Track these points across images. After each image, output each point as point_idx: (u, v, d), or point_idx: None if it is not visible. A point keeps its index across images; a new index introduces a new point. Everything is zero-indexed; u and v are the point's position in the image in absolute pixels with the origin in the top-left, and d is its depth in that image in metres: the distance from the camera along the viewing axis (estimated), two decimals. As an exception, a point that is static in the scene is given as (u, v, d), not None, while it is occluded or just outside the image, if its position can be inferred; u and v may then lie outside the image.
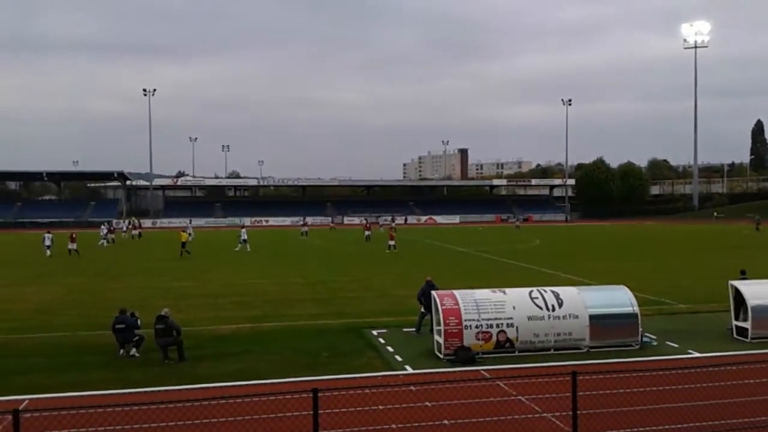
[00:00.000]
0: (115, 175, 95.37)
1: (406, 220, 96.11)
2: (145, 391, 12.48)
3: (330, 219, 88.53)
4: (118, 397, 11.91)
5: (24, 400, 11.88)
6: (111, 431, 10.01)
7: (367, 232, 55.08)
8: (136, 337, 15.34)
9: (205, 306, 22.37)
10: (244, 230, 47.85)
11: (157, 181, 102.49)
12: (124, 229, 63.85)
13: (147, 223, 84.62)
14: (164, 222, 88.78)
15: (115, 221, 63.83)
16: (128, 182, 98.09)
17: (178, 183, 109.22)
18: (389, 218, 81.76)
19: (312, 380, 12.58)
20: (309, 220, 74.61)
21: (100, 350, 15.82)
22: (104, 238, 51.90)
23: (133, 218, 71.07)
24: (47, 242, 42.05)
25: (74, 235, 44.34)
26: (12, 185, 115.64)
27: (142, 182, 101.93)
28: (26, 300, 23.92)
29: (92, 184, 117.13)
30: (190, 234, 50.27)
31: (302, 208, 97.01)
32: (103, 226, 55.34)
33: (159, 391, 12.49)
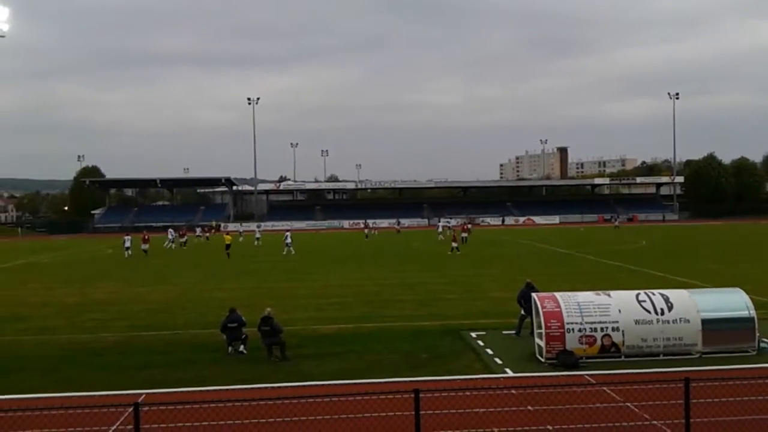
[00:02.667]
0: (223, 181, 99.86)
1: (503, 221, 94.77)
2: (253, 388, 12.98)
3: (426, 220, 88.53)
4: (229, 393, 12.45)
5: (142, 394, 12.65)
6: (223, 425, 10.50)
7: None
8: (244, 336, 16.01)
9: (307, 306, 23.01)
10: (288, 233, 48.87)
11: (261, 186, 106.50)
12: (198, 233, 65.75)
13: (252, 226, 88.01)
14: (268, 225, 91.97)
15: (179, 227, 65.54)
16: (235, 187, 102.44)
17: (281, 188, 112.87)
18: (450, 220, 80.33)
19: (413, 381, 12.65)
20: (370, 222, 75.50)
21: (211, 348, 16.60)
22: (171, 242, 54.42)
23: (213, 222, 74.27)
24: (127, 244, 46.33)
25: (147, 237, 48.18)
26: (129, 192, 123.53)
27: (247, 187, 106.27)
28: (143, 300, 25.48)
29: (202, 190, 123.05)
30: (241, 234, 53.34)
31: (399, 210, 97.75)
32: (170, 230, 57.90)
33: (266, 387, 12.97)
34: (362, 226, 71.14)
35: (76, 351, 16.81)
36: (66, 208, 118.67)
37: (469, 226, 59.86)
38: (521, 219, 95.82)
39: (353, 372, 14.11)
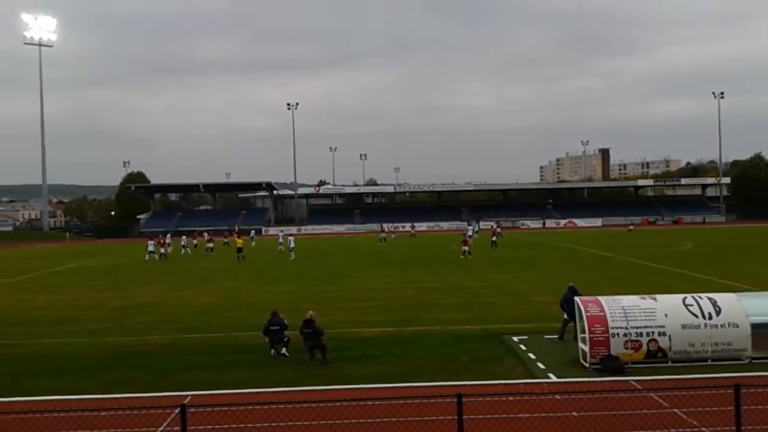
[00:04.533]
0: (263, 185, 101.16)
1: (544, 223, 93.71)
2: (296, 390, 13.11)
3: (465, 223, 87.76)
4: (272, 395, 12.60)
5: (187, 396, 12.90)
6: (266, 427, 10.62)
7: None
8: (286, 338, 16.19)
9: (348, 309, 23.14)
10: (291, 238, 49.11)
11: (301, 190, 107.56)
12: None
13: (293, 230, 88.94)
14: (308, 229, 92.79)
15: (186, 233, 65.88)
16: (275, 192, 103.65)
17: (320, 191, 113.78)
18: (481, 222, 79.58)
19: (455, 385, 12.61)
20: (386, 226, 75.52)
21: (254, 350, 16.82)
22: (184, 247, 55.23)
23: (236, 227, 75.15)
24: (150, 248, 48.46)
25: (162, 241, 50.68)
26: (173, 197, 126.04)
27: (287, 191, 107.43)
28: (187, 303, 25.97)
29: (243, 194, 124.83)
30: (252, 239, 54.26)
31: (438, 213, 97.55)
32: (183, 237, 59.09)
33: (308, 390, 13.09)
34: (379, 229, 70.97)
35: (124, 353, 17.24)
36: (112, 212, 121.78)
37: (498, 229, 59.16)
38: (562, 222, 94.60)
39: (394, 375, 14.14)
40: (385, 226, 76.03)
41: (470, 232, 58.02)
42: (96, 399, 12.83)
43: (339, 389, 13.07)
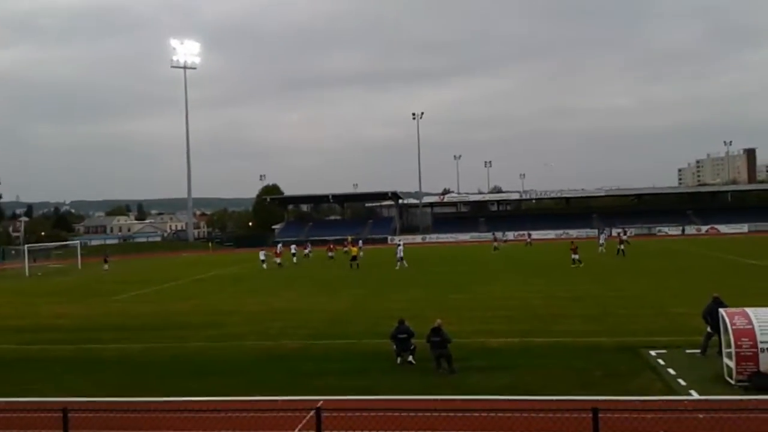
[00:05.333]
0: (389, 195, 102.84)
1: (683, 230, 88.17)
2: (423, 399, 13.21)
3: (596, 230, 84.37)
4: (400, 403, 12.78)
5: (320, 400, 13.35)
6: (395, 434, 10.80)
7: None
8: (413, 346, 16.35)
9: (473, 319, 22.98)
10: (400, 247, 48.11)
11: (426, 199, 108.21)
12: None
13: (417, 239, 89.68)
14: (432, 238, 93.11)
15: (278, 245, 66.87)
16: (400, 201, 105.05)
17: (445, 200, 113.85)
18: (603, 231, 75.16)
19: (589, 399, 12.18)
20: (499, 234, 73.47)
21: (381, 357, 17.12)
22: (294, 255, 57.09)
23: (350, 237, 76.43)
24: (262, 257, 51.29)
25: (275, 250, 53.61)
26: (304, 207, 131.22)
27: (412, 200, 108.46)
28: (319, 310, 26.91)
29: (369, 204, 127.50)
30: (307, 250, 57.98)
31: (566, 221, 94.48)
32: (292, 246, 61.26)
33: (435, 399, 13.15)
34: (492, 238, 69.17)
35: (262, 356, 18.16)
36: (250, 223, 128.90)
37: (625, 236, 56.18)
38: (703, 228, 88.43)
39: (522, 387, 13.87)
40: (498, 234, 74.91)
41: (601, 240, 55.69)
42: (236, 401, 13.60)
43: (468, 399, 13.01)
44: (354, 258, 47.22)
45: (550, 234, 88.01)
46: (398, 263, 45.69)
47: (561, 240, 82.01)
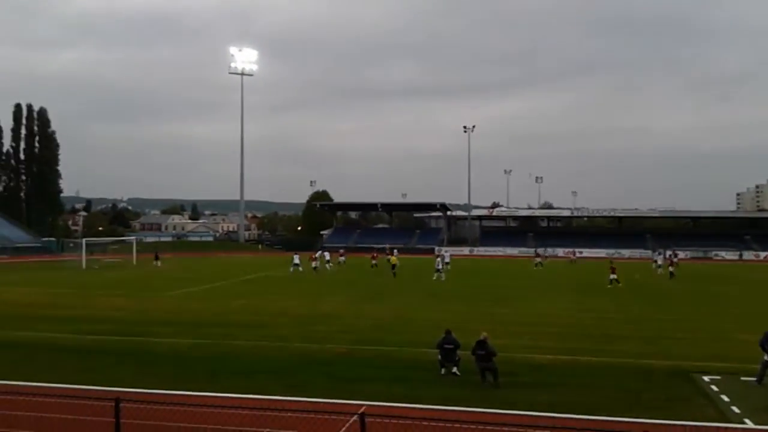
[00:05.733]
0: (438, 206, 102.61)
1: (741, 255, 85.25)
2: (467, 411, 13.10)
3: (650, 251, 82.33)
4: (443, 413, 12.70)
5: (362, 405, 13.36)
6: (438, 443, 10.75)
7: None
8: (458, 358, 16.25)
9: (521, 334, 22.67)
10: (440, 258, 47.52)
11: (475, 212, 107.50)
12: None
13: (464, 251, 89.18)
14: (480, 250, 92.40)
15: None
16: (449, 213, 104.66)
17: (494, 213, 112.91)
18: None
19: (638, 422, 11.90)
20: (541, 250, 72.03)
21: (424, 367, 17.07)
22: (328, 262, 56.76)
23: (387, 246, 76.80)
24: (296, 260, 52.02)
25: (312, 255, 54.58)
26: (353, 215, 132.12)
27: (460, 212, 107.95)
28: (364, 316, 27.02)
29: (418, 214, 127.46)
30: (377, 259, 56.55)
31: (618, 240, 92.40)
32: (325, 252, 61.06)
33: (479, 412, 13.02)
34: (534, 254, 67.62)
35: (307, 359, 18.34)
36: (299, 227, 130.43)
37: (675, 259, 54.70)
38: (762, 254, 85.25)
39: (569, 406, 13.60)
40: (540, 250, 73.78)
41: (660, 261, 54.26)
42: (281, 400, 13.76)
43: (513, 414, 12.84)
44: (393, 267, 47.70)
45: (601, 253, 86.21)
46: (435, 274, 45.52)
47: (612, 260, 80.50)
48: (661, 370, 17.15)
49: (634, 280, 45.14)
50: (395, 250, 67.86)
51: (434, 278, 44.84)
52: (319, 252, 61.60)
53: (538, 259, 62.88)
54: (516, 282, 44.86)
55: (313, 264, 52.79)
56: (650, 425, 11.93)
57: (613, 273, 41.67)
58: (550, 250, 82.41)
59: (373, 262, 57.17)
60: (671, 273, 48.45)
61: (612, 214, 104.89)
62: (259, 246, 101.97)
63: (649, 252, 79.62)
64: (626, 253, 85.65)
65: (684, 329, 24.14)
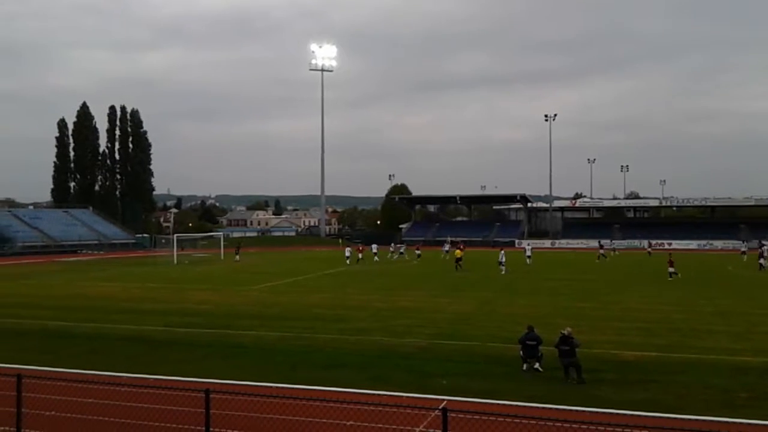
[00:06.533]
0: (518, 197, 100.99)
1: None
2: (550, 408, 12.88)
3: (742, 242, 78.00)
4: (525, 410, 12.55)
5: (443, 400, 13.36)
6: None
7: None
8: (540, 354, 15.99)
9: (606, 329, 22.06)
10: (503, 252, 46.68)
11: (556, 203, 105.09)
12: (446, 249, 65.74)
13: (546, 243, 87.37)
14: (562, 243, 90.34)
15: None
16: (529, 204, 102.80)
17: (576, 204, 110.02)
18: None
19: (732, 422, 11.38)
20: (606, 241, 70.69)
21: (505, 362, 16.89)
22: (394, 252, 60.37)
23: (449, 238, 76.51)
24: (347, 253, 55.74)
25: (361, 248, 58.00)
26: (431, 208, 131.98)
27: (541, 204, 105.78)
28: (443, 310, 26.98)
29: (497, 207, 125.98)
30: (417, 251, 59.26)
31: (709, 230, 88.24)
32: (373, 245, 62.87)
33: (562, 409, 12.79)
34: (598, 246, 64.55)
35: (386, 352, 18.51)
36: (378, 222, 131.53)
37: (763, 249, 51.16)
38: None
39: (658, 404, 13.15)
40: (605, 242, 71.01)
41: (766, 252, 51.18)
42: (361, 393, 13.96)
43: (598, 412, 12.54)
44: (458, 260, 47.29)
45: (692, 244, 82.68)
46: (501, 267, 44.92)
47: (702, 251, 77.08)
48: (755, 366, 16.32)
49: (726, 272, 42.98)
50: (461, 244, 67.88)
51: (502, 272, 44.16)
52: (395, 245, 62.36)
53: (602, 251, 60.65)
54: (599, 275, 43.60)
55: (360, 255, 55.71)
56: (745, 426, 11.36)
57: (671, 266, 39.97)
58: (644, 242, 79.34)
59: (445, 250, 57.69)
60: (761, 265, 45.86)
61: (703, 203, 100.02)
62: (340, 240, 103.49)
63: (740, 243, 75.45)
64: (719, 244, 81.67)
65: (782, 324, 22.84)
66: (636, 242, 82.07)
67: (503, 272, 44.22)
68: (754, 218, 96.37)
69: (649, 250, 67.65)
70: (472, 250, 64.70)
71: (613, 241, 76.68)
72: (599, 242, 68.75)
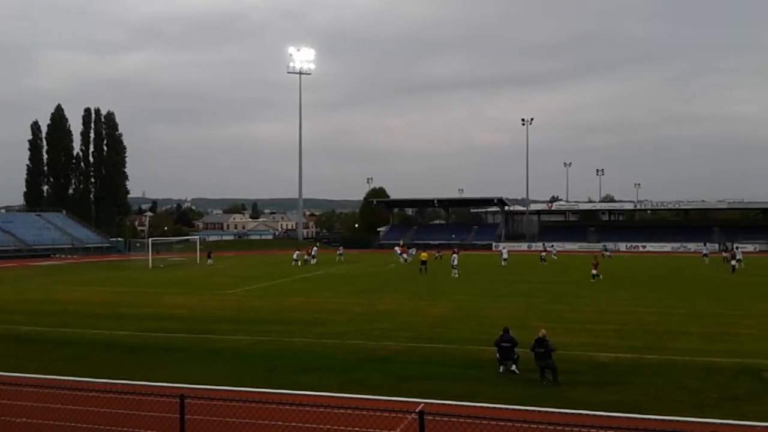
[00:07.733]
0: (495, 201, 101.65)
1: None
2: (525, 409, 12.96)
3: (717, 245, 79.34)
4: (502, 412, 12.61)
5: (420, 403, 13.38)
6: (495, 442, 10.67)
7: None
8: (516, 356, 16.09)
9: (581, 331, 22.28)
10: (455, 255, 47.09)
11: (533, 206, 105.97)
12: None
13: (523, 246, 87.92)
14: (538, 246, 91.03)
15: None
16: (506, 208, 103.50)
17: (553, 208, 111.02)
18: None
19: (702, 422, 11.56)
20: (548, 244, 70.89)
21: (482, 365, 16.97)
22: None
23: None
24: (294, 256, 57.50)
25: (309, 250, 60.97)
26: (409, 211, 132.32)
27: (518, 207, 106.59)
28: (422, 313, 27.02)
29: (474, 210, 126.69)
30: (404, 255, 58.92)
31: (683, 233, 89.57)
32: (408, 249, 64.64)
33: (537, 411, 12.88)
34: (541, 248, 65.04)
35: (364, 356, 18.49)
36: (356, 225, 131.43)
37: (733, 252, 52.37)
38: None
39: (631, 405, 13.31)
40: (547, 244, 71.92)
41: (738, 256, 52.09)
42: (338, 397, 13.93)
43: (573, 414, 12.66)
44: (424, 262, 47.87)
45: (666, 247, 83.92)
46: (454, 271, 45.06)
47: (677, 254, 78.20)
48: (727, 367, 16.57)
49: (698, 274, 43.67)
50: (456, 249, 68.35)
51: (452, 275, 44.20)
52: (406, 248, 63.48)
53: (544, 254, 60.94)
54: (574, 277, 44.01)
55: (307, 257, 58.88)
56: (718, 425, 11.54)
57: (595, 268, 40.78)
58: (611, 245, 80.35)
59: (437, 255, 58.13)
60: (733, 267, 46.83)
61: (677, 206, 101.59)
62: (317, 244, 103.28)
63: (716, 246, 76.74)
64: (692, 246, 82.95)
65: (753, 325, 23.27)
66: (611, 245, 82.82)
67: (455, 275, 44.24)
68: (727, 221, 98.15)
69: (609, 254, 67.88)
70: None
71: (606, 246, 77.10)
72: (543, 244, 69.85)
